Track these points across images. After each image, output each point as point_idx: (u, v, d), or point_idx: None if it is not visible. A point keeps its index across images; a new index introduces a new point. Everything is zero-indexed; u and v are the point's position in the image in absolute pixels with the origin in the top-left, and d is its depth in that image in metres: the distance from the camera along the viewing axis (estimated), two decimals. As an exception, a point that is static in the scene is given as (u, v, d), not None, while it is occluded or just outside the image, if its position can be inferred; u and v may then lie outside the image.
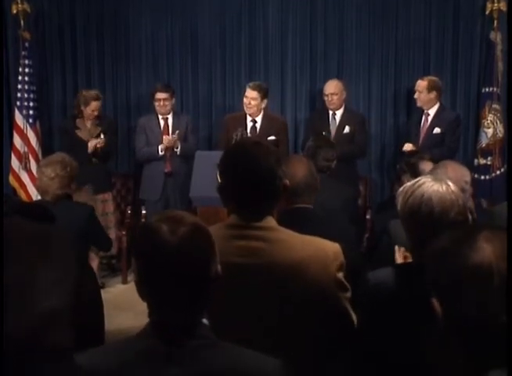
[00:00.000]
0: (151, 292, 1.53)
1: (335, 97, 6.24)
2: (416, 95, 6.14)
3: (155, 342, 1.48)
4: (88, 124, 6.25)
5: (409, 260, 2.50)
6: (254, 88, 5.99)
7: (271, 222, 2.00)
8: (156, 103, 6.26)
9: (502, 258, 1.11)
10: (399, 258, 2.59)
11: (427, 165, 4.08)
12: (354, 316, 2.08)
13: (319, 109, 6.72)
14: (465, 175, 3.42)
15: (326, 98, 6.30)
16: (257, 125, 6.10)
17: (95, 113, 6.20)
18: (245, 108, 6.05)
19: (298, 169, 2.85)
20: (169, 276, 1.48)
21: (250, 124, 6.10)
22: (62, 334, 1.06)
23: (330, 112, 6.33)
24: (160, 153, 6.19)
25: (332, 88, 6.27)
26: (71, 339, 1.08)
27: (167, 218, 1.53)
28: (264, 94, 6.04)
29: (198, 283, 1.51)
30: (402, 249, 2.59)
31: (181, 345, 1.48)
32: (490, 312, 1.08)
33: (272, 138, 5.93)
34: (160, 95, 6.23)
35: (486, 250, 1.12)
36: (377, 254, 3.29)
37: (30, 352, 1.02)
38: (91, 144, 6.10)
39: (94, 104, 6.16)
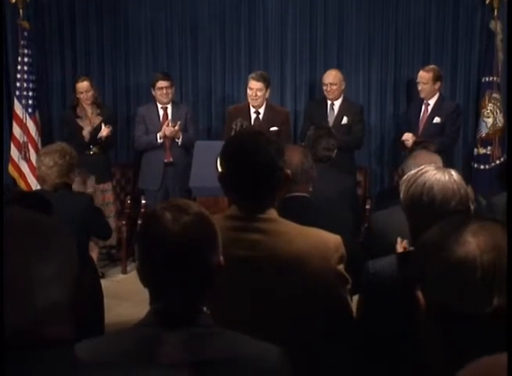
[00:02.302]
0: (152, 279, 1.52)
1: (334, 87, 6.20)
2: (420, 87, 6.09)
3: (156, 330, 1.47)
4: (89, 113, 6.25)
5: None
6: (258, 79, 5.94)
7: (272, 213, 1.98)
8: (159, 92, 6.23)
9: (487, 251, 1.11)
10: (400, 250, 2.59)
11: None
12: (353, 309, 2.08)
13: (316, 98, 6.70)
14: (436, 161, 3.38)
15: (324, 87, 6.26)
16: (261, 117, 6.08)
17: (88, 94, 6.18)
18: (250, 100, 6.02)
19: (294, 157, 2.84)
20: (169, 264, 1.47)
21: (253, 116, 6.08)
22: (62, 325, 1.06)
23: (329, 102, 6.30)
24: (158, 140, 6.18)
25: (331, 77, 6.24)
26: (71, 330, 1.08)
27: (172, 206, 1.52)
28: (268, 83, 6.03)
29: (199, 272, 1.50)
30: (401, 240, 2.59)
31: (182, 333, 1.47)
32: (474, 305, 1.09)
33: (274, 128, 5.92)
34: (162, 84, 6.21)
35: (471, 244, 1.12)
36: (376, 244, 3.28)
37: (30, 344, 1.01)
38: (103, 132, 6.13)
39: (78, 86, 6.17)
